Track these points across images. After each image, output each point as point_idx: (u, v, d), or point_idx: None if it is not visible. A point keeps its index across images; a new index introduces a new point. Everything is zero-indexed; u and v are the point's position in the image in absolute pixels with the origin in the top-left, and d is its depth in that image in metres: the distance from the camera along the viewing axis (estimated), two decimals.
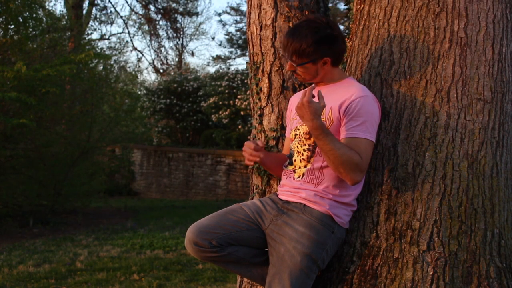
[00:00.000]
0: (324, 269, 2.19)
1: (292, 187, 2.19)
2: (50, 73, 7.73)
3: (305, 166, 2.16)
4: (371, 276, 2.10)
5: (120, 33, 33.50)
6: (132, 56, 52.54)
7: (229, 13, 29.60)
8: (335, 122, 2.10)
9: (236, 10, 23.33)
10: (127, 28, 28.59)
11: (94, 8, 19.98)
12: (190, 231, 2.17)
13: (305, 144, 2.18)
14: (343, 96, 2.09)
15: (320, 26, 2.10)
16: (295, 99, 2.34)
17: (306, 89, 2.04)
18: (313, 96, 2.04)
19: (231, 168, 13.93)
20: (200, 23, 35.61)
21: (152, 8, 21.74)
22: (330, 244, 2.11)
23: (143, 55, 48.96)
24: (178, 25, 24.43)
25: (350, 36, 2.58)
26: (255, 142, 2.16)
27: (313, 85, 2.15)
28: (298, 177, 2.17)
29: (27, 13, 8.83)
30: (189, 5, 23.28)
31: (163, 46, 26.89)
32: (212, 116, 14.51)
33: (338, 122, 2.10)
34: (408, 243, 2.09)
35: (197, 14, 24.95)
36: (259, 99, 2.80)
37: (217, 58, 24.39)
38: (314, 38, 2.07)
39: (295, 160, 2.20)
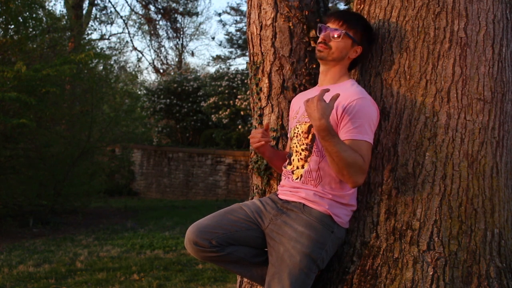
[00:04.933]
0: (324, 269, 2.19)
1: (292, 187, 2.19)
2: (50, 73, 7.73)
3: (302, 166, 2.16)
4: (371, 276, 2.10)
5: (120, 33, 33.54)
6: (132, 56, 52.52)
7: (229, 13, 29.61)
8: (332, 124, 2.09)
9: (236, 10, 23.33)
10: (127, 28, 28.55)
11: (94, 8, 20.00)
12: (190, 231, 2.17)
13: (303, 144, 2.18)
14: (340, 98, 2.08)
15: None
16: (296, 100, 2.34)
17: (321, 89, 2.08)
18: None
19: (231, 168, 13.93)
20: (200, 23, 35.68)
21: (152, 8, 21.74)
22: (329, 244, 2.10)
23: (143, 55, 49.02)
24: (178, 25, 24.44)
25: None
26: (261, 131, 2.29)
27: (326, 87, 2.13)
28: (297, 179, 2.17)
29: (27, 13, 8.83)
30: (189, 5, 23.29)
31: (163, 46, 26.92)
32: (212, 116, 14.50)
33: (335, 124, 2.09)
34: (408, 243, 2.09)
35: (197, 14, 24.97)
36: (259, 99, 2.80)
37: (217, 58, 24.38)
38: (368, 27, 2.24)
39: (293, 160, 2.20)
